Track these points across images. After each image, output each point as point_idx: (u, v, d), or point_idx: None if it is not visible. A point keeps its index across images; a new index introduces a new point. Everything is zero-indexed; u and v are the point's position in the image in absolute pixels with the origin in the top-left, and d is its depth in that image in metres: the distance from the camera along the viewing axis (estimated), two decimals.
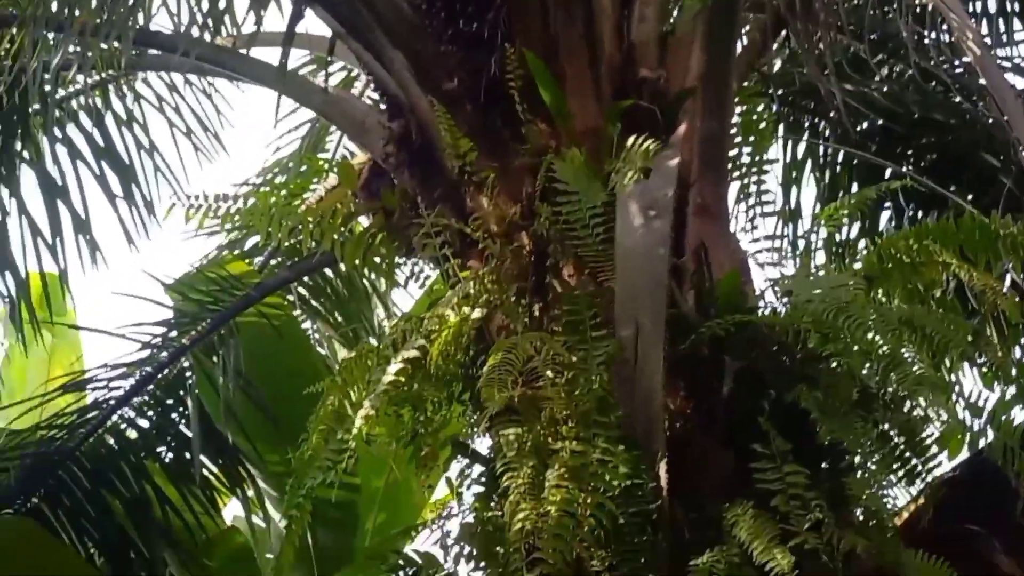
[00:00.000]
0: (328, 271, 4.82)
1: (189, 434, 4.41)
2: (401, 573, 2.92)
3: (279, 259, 4.76)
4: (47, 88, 3.99)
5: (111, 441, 4.45)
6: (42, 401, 4.41)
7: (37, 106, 4.07)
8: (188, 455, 4.45)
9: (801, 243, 4.49)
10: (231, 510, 5.13)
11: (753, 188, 3.07)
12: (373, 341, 3.54)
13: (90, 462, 4.32)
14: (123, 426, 4.45)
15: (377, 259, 3.52)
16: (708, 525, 2.31)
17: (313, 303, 4.86)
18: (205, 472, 4.51)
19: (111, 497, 4.30)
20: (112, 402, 4.38)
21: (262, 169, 5.13)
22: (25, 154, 4.40)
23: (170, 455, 4.51)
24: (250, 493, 4.77)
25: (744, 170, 3.10)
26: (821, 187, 4.56)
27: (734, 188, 3.14)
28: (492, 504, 2.62)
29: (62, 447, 4.30)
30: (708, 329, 2.51)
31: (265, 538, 5.06)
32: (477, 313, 2.80)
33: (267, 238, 4.34)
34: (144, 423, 4.47)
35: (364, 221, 3.63)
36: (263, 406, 4.37)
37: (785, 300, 2.65)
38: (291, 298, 4.80)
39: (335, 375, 2.97)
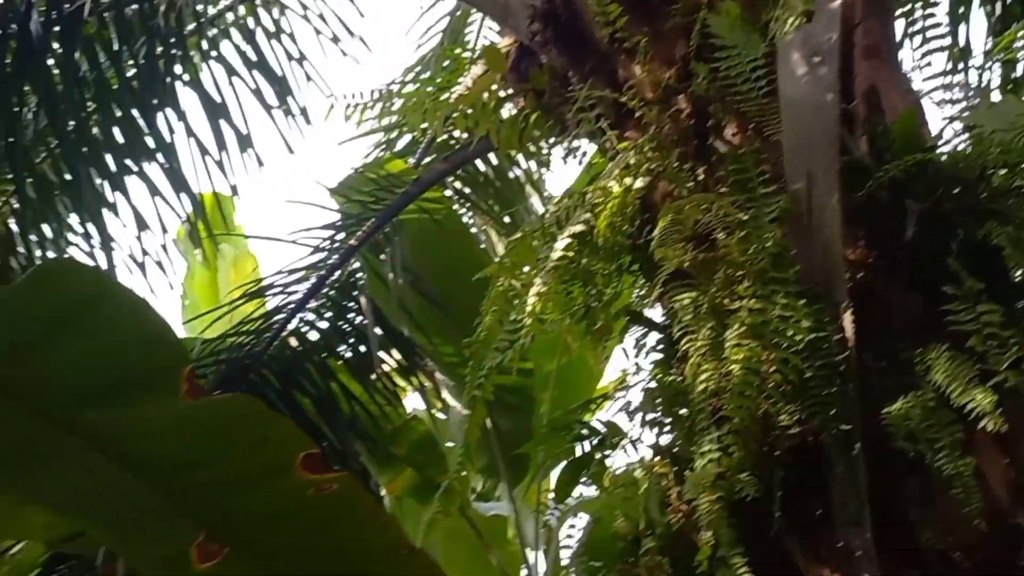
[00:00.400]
0: (481, 163, 4.86)
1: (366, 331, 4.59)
2: (585, 443, 3.01)
3: (432, 156, 4.82)
4: (199, 8, 4.10)
5: (294, 343, 4.67)
6: (229, 309, 4.66)
7: (192, 26, 4.19)
8: (367, 351, 4.64)
9: (974, 82, 4.22)
10: (410, 402, 5.34)
11: (921, 25, 2.89)
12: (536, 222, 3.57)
13: (278, 364, 4.56)
14: (304, 328, 4.66)
15: (532, 144, 3.52)
16: (899, 372, 2.25)
17: (469, 195, 4.92)
18: (384, 366, 4.69)
19: (301, 396, 4.53)
20: (292, 306, 4.58)
21: (406, 68, 5.17)
22: (186, 76, 4.56)
23: (350, 353, 4.70)
24: (427, 384, 4.95)
25: (910, 6, 2.92)
26: (991, 21, 4.26)
27: (900, 27, 2.97)
28: (671, 369, 2.63)
29: (251, 352, 4.54)
30: (886, 173, 2.41)
31: (445, 427, 5.26)
32: (640, 182, 2.77)
33: (421, 132, 4.43)
34: (323, 324, 4.66)
35: (512, 109, 3.62)
36: (433, 299, 4.49)
37: (967, 135, 2.51)
38: (448, 192, 4.87)
39: (503, 257, 3.02)
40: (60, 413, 1.60)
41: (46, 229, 4.74)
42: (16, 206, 4.67)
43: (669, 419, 2.55)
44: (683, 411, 2.49)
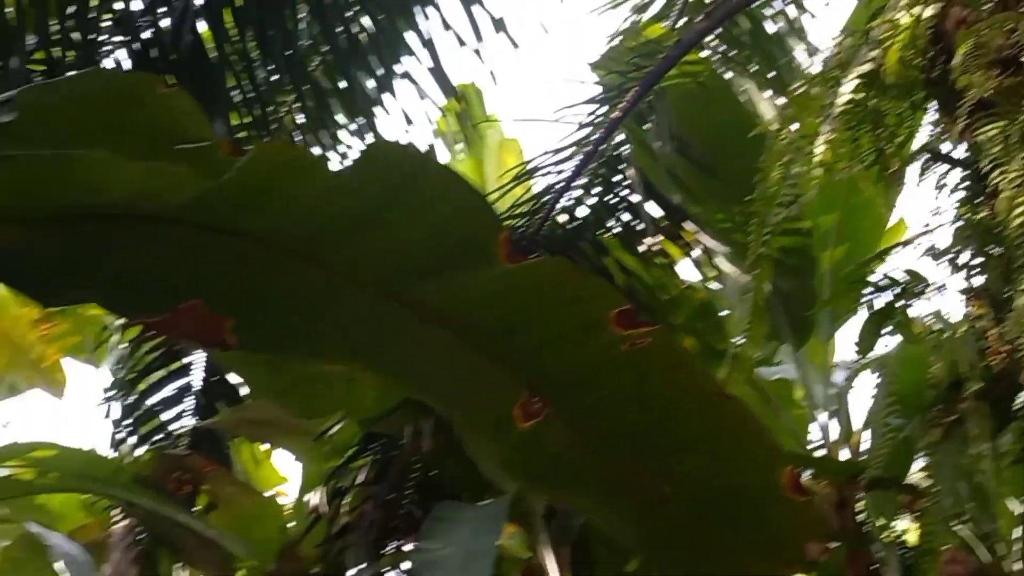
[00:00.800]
0: (741, 18, 4.67)
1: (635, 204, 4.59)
2: (884, 294, 2.91)
3: (687, 18, 4.68)
4: None
5: (563, 220, 4.74)
6: (501, 195, 4.78)
7: None
8: (637, 224, 4.65)
9: None
10: (685, 271, 5.32)
11: None
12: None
13: (552, 244, 4.65)
14: (573, 205, 4.72)
15: None
16: None
17: (730, 53, 4.75)
18: (656, 237, 4.69)
19: None
20: (560, 185, 4.64)
21: None
22: None
23: (621, 226, 4.73)
24: (698, 253, 4.92)
25: None
26: None
27: None
28: (980, 207, 2.47)
29: (525, 233, 4.67)
30: None
31: (719, 296, 5.22)
32: (930, 10, 2.58)
33: None
34: (591, 200, 4.70)
35: None
36: (702, 164, 4.41)
37: None
38: (705, 53, 4.72)
39: (783, 108, 2.92)
40: (392, 288, 1.70)
41: (323, 135, 5.01)
42: (300, 120, 4.97)
43: (981, 259, 2.41)
44: (997, 249, 2.34)
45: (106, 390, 5.83)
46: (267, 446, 6.57)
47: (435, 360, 1.83)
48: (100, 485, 4.81)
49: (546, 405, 1.83)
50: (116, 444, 5.77)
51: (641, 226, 4.62)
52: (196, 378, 5.77)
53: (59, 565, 5.10)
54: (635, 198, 4.59)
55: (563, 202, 4.71)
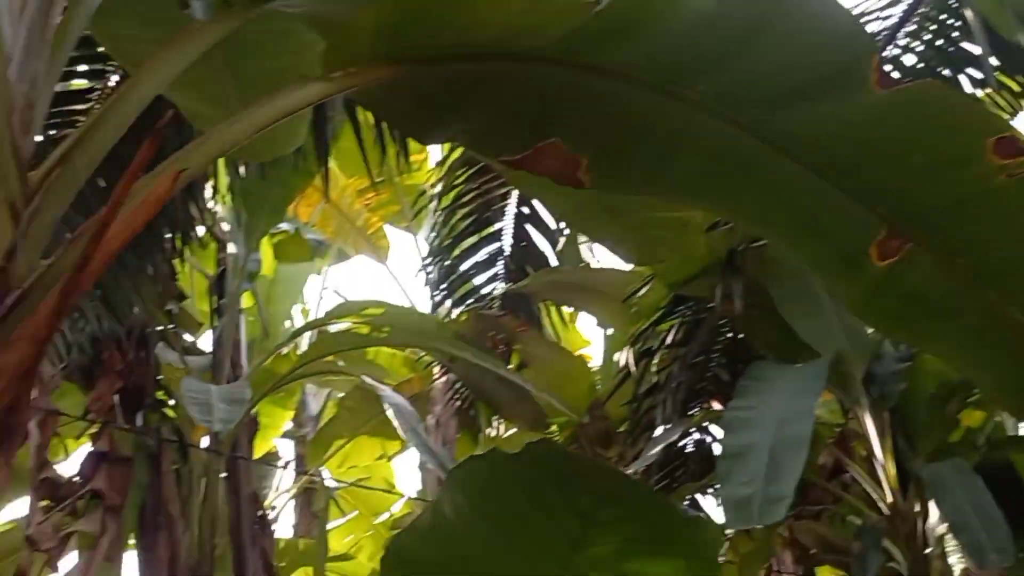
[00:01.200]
0: None
1: (972, 50, 4.21)
2: None
3: None
4: None
5: (888, 70, 4.44)
6: None
7: None
8: (969, 72, 4.28)
9: None
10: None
11: None
12: None
13: None
14: (899, 54, 4.40)
15: None
16: None
17: None
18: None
19: None
20: (885, 33, 4.34)
21: None
22: None
23: (953, 75, 4.37)
24: None
25: None
26: None
27: None
28: None
29: None
30: None
31: None
32: None
33: None
34: (920, 47, 4.37)
35: None
36: None
37: None
38: None
39: None
40: (752, 120, 1.65)
41: None
42: None
43: None
44: None
45: (424, 256, 6.20)
46: (571, 310, 6.78)
47: (786, 196, 1.77)
48: (428, 339, 5.17)
49: (906, 242, 1.73)
50: (435, 306, 6.16)
51: (979, 75, 4.24)
52: (506, 243, 6.00)
53: (389, 413, 5.57)
54: (971, 44, 4.21)
55: (888, 51, 4.40)
